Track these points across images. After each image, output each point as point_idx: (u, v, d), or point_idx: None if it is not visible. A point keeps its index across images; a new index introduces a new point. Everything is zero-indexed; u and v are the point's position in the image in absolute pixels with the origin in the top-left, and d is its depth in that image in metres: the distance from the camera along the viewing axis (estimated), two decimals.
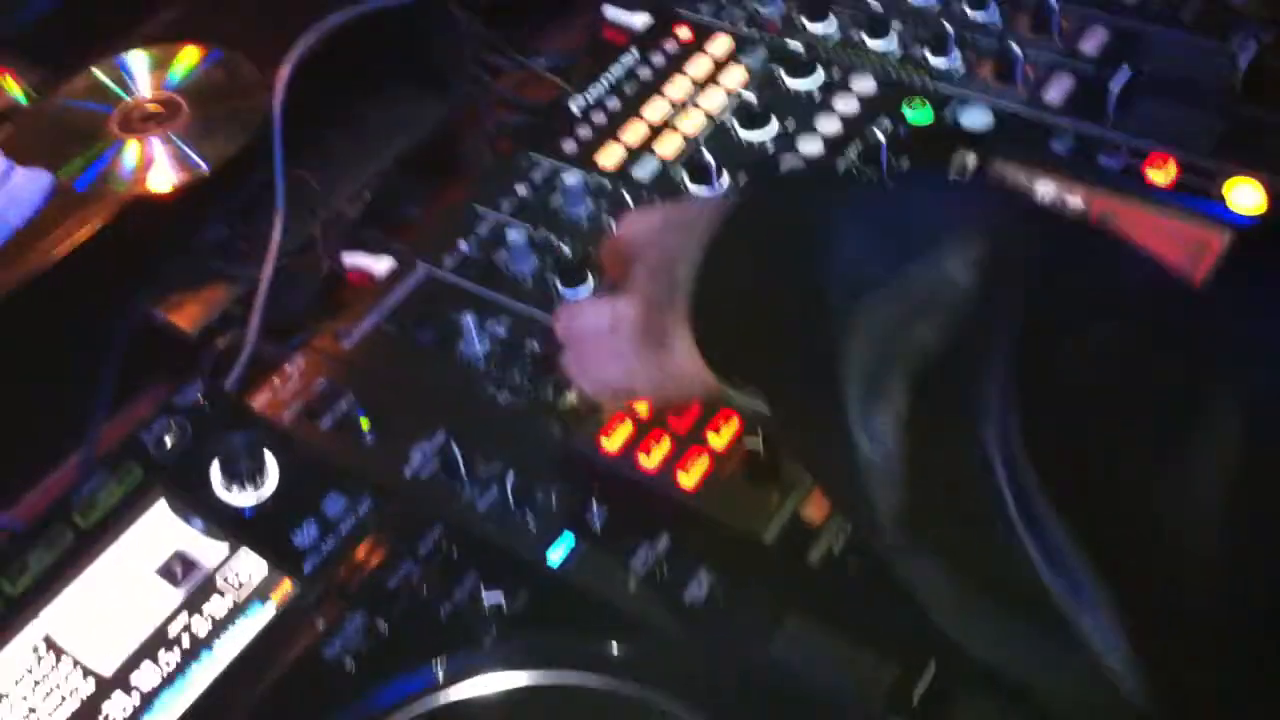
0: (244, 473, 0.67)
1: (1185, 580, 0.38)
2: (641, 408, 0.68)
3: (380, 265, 0.81)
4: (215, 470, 0.68)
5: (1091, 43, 0.83)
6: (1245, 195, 0.73)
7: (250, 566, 0.65)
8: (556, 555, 0.64)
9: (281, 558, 0.65)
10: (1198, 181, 0.75)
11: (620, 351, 0.60)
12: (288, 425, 0.71)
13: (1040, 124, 0.79)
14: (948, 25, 0.83)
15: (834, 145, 0.80)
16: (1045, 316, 0.43)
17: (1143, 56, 0.81)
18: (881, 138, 0.77)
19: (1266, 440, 0.38)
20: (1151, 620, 0.39)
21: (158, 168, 0.84)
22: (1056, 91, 0.81)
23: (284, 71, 0.87)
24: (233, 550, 0.65)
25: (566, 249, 0.76)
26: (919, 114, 0.80)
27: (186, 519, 0.67)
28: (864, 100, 0.82)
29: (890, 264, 0.45)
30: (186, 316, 0.83)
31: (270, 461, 0.68)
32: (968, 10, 0.86)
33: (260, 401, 0.72)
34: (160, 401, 0.80)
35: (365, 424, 0.70)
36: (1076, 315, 0.43)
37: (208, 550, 0.66)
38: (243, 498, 0.67)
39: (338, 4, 0.91)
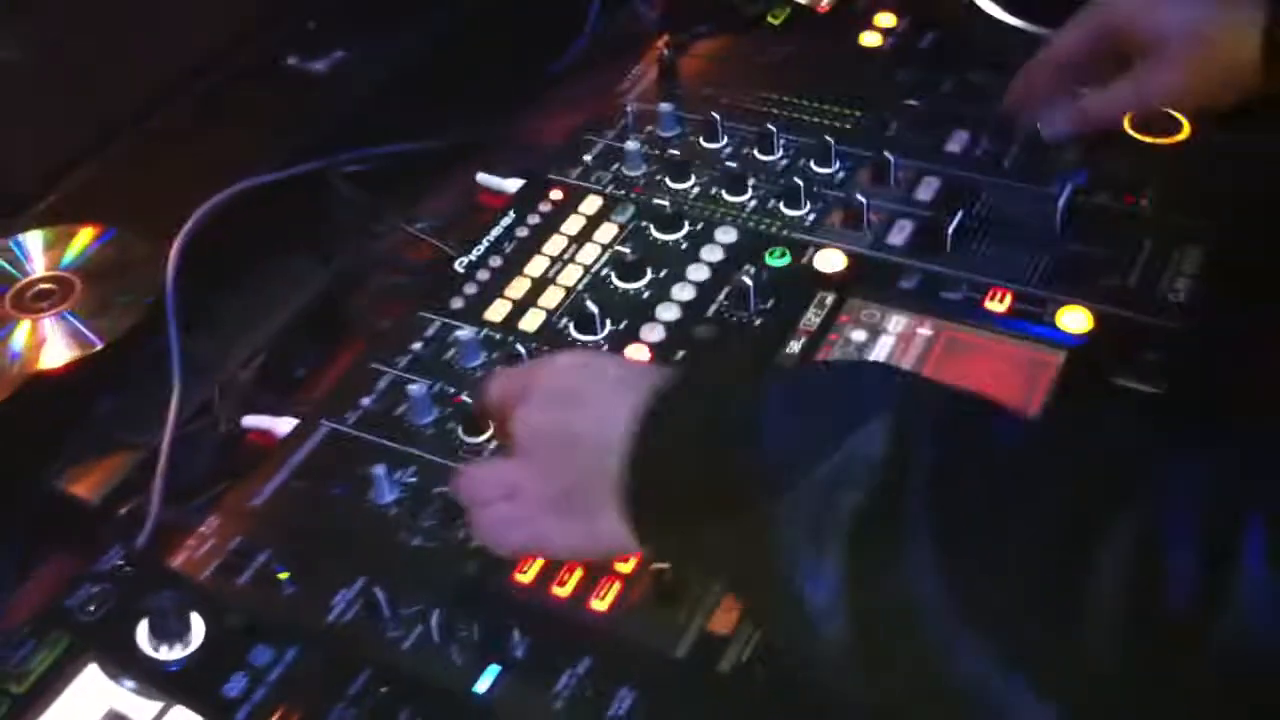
0: (171, 631, 0.69)
1: (1095, 674, 0.47)
2: None
3: (282, 425, 0.84)
4: (142, 631, 0.70)
5: (926, 191, 0.93)
6: (1074, 320, 0.83)
7: None
8: (483, 686, 0.68)
9: (213, 710, 0.67)
10: (1031, 310, 0.84)
11: (525, 518, 0.66)
12: (207, 583, 0.73)
13: (888, 264, 0.88)
14: (798, 180, 0.92)
15: (704, 290, 0.87)
16: (949, 468, 0.52)
17: (973, 201, 0.91)
18: (748, 281, 0.85)
19: (1155, 553, 0.46)
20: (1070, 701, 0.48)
21: (51, 345, 0.87)
22: (899, 235, 0.90)
23: (175, 247, 0.91)
24: (166, 708, 0.67)
25: (467, 399, 0.81)
26: (779, 259, 0.88)
27: (118, 680, 0.68)
28: (728, 249, 0.90)
29: (817, 444, 0.54)
30: (87, 486, 0.85)
31: (195, 618, 0.70)
32: (814, 166, 0.95)
33: (178, 562, 0.75)
34: (67, 571, 0.82)
35: (284, 576, 0.73)
36: (973, 463, 0.52)
37: (141, 709, 0.67)
38: (170, 655, 0.69)
39: (225, 179, 0.96)
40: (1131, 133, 0.95)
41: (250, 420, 0.87)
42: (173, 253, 0.91)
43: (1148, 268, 0.85)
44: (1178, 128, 0.96)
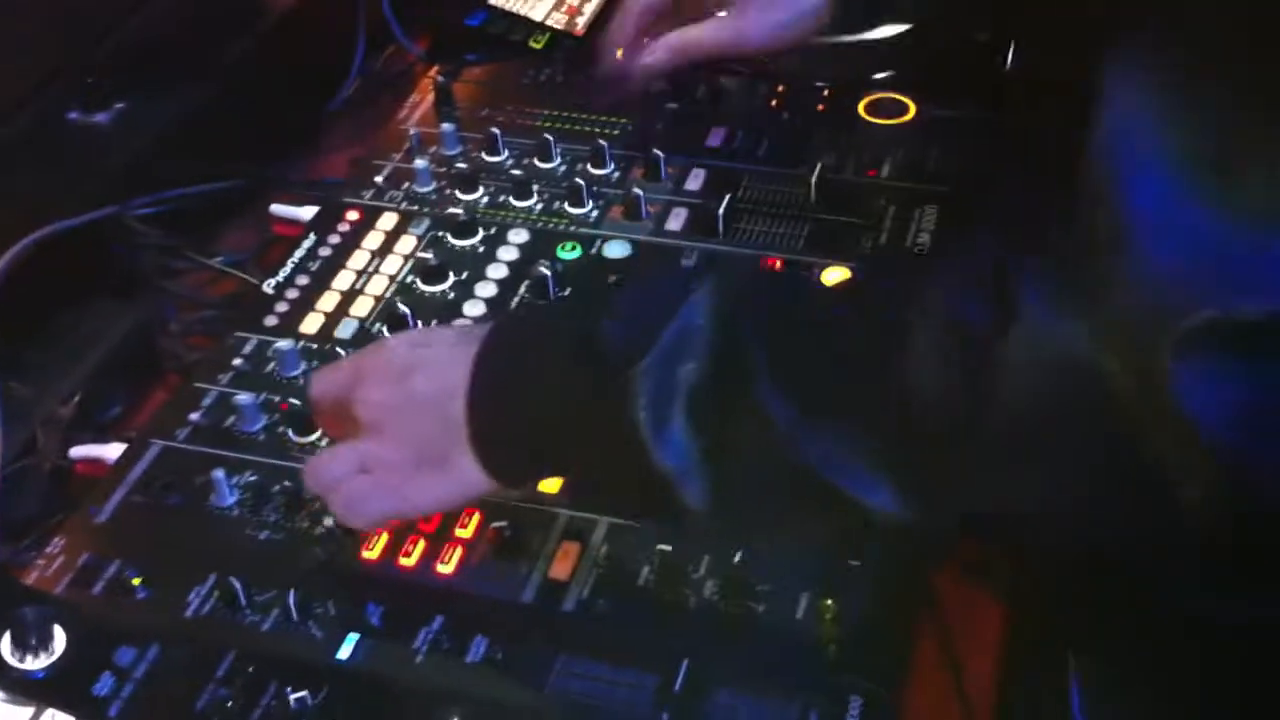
0: (33, 642, 0.72)
1: (928, 436, 0.56)
2: None
3: (111, 452, 0.87)
4: (5, 644, 0.72)
5: (695, 182, 1.02)
6: (835, 276, 0.93)
7: None
8: (345, 653, 0.72)
9: (85, 707, 0.70)
10: (800, 274, 0.93)
11: (387, 486, 0.71)
12: (63, 596, 0.76)
13: (669, 248, 0.96)
14: (579, 181, 1.00)
15: (505, 286, 0.94)
16: (772, 319, 0.61)
17: (737, 186, 1.01)
18: (546, 271, 0.92)
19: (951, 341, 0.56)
20: (915, 473, 0.57)
21: None
22: (675, 222, 0.99)
23: None
24: (38, 712, 0.70)
25: (294, 402, 0.85)
26: (571, 252, 0.96)
27: None
28: (522, 248, 0.97)
29: (648, 336, 0.62)
30: None
31: (56, 629, 0.73)
32: (591, 169, 1.03)
33: (30, 581, 0.77)
34: None
35: (137, 581, 0.76)
36: (789, 306, 0.62)
37: (14, 715, 0.70)
38: (35, 664, 0.72)
39: (24, 228, 0.98)
40: (866, 116, 1.07)
41: (78, 451, 0.89)
42: None
43: (894, 227, 0.97)
44: (904, 110, 1.08)
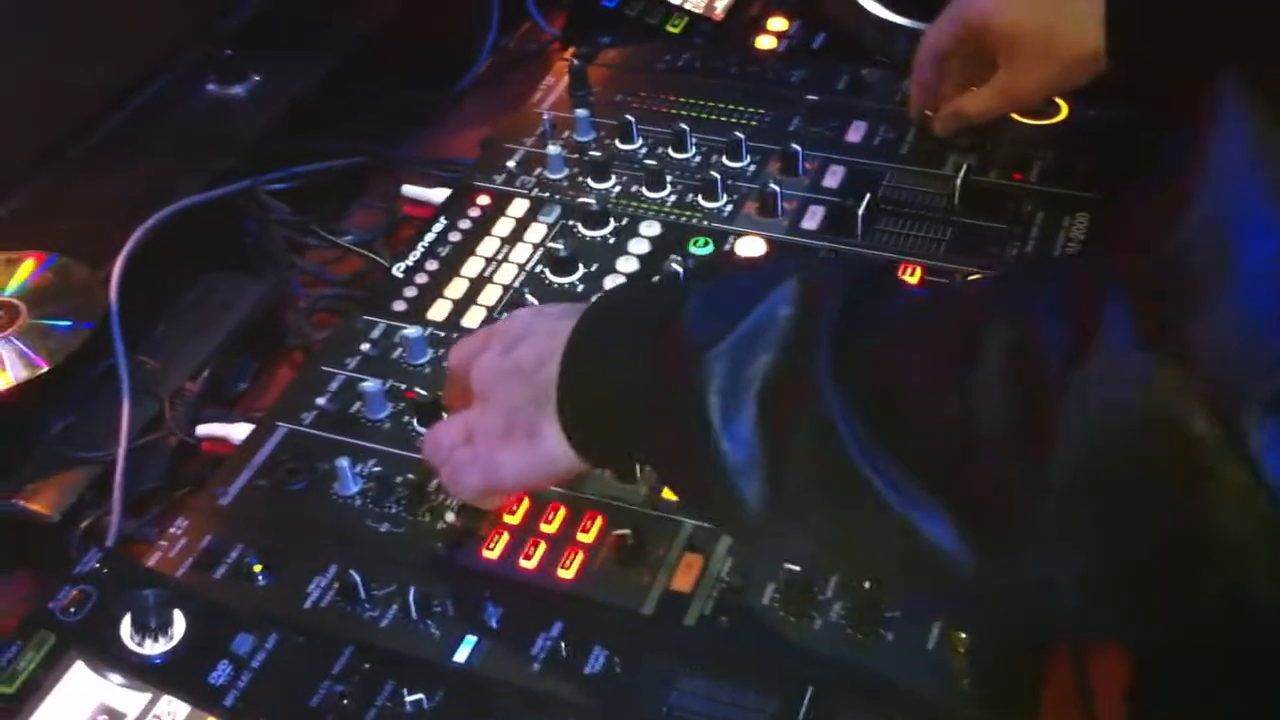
0: (153, 626, 0.72)
1: (989, 469, 0.52)
2: (513, 519, 0.77)
3: (237, 432, 0.87)
4: (125, 627, 0.72)
5: (833, 179, 0.99)
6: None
7: (174, 710, 0.69)
8: (462, 656, 0.71)
9: (201, 697, 0.70)
10: (940, 281, 0.90)
11: (479, 456, 0.70)
12: (184, 579, 0.76)
13: (805, 247, 0.93)
14: (714, 174, 0.97)
15: (635, 280, 0.92)
16: (851, 319, 0.57)
17: (876, 185, 0.97)
18: (678, 268, 0.90)
19: (1031, 337, 0.52)
20: (973, 509, 0.53)
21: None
22: (812, 220, 0.96)
23: (115, 269, 0.93)
24: (155, 699, 0.70)
25: (421, 391, 0.84)
26: (703, 248, 0.94)
27: (104, 675, 0.70)
28: (653, 241, 0.95)
29: (731, 320, 0.59)
30: (45, 502, 0.86)
31: (176, 613, 0.73)
32: (726, 161, 1.01)
33: (152, 563, 0.77)
34: (33, 585, 0.84)
35: (258, 569, 0.76)
36: (872, 316, 0.58)
37: (130, 701, 0.69)
38: (154, 649, 0.72)
39: (157, 202, 0.98)
40: (1016, 116, 1.03)
41: (204, 429, 0.89)
42: (114, 276, 0.93)
43: (1041, 235, 0.93)
44: (1056, 110, 1.03)
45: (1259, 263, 0.47)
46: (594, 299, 0.69)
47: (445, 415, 0.82)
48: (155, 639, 0.72)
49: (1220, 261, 0.48)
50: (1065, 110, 1.03)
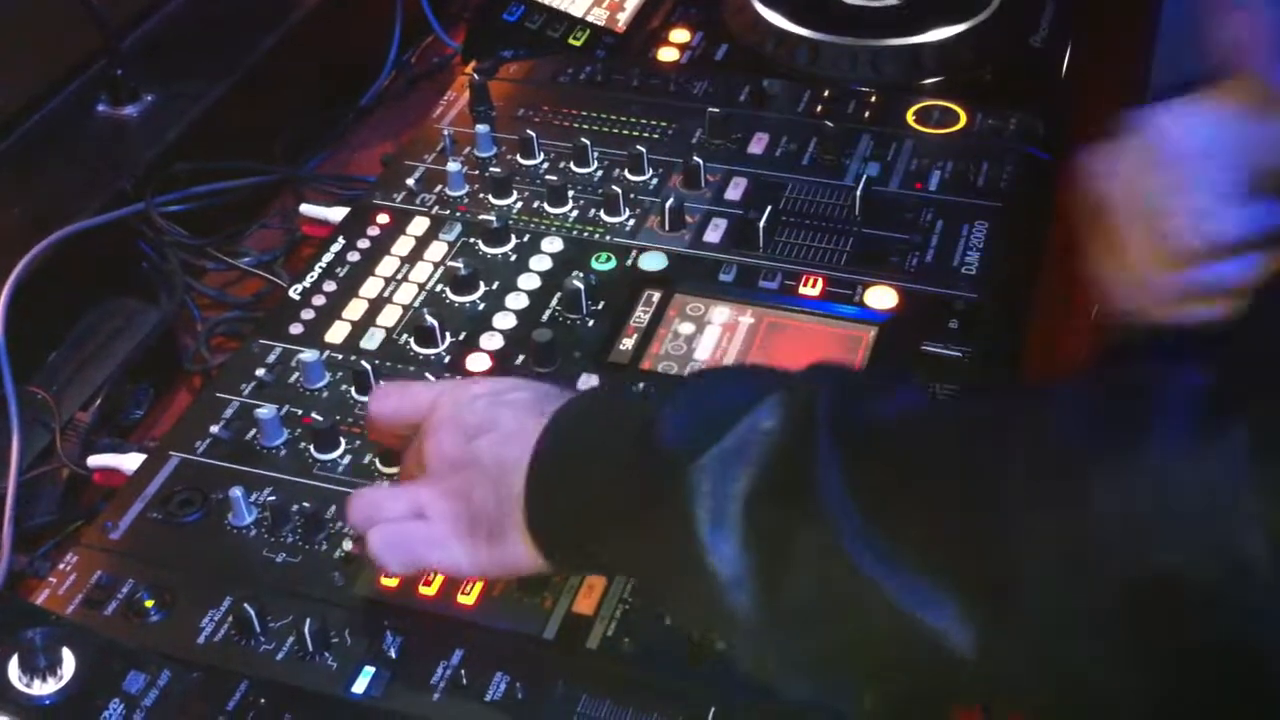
0: (42, 665, 0.69)
1: (1011, 577, 0.51)
2: None
3: (130, 463, 0.85)
4: (13, 668, 0.70)
5: (735, 191, 0.99)
6: (881, 297, 0.89)
7: None
8: (361, 686, 0.70)
9: None
10: (841, 292, 0.90)
11: (439, 539, 0.68)
12: (73, 617, 0.74)
13: (707, 260, 0.93)
14: (616, 189, 0.97)
15: (537, 298, 0.91)
16: (844, 430, 0.56)
17: (778, 197, 0.97)
18: (579, 285, 0.89)
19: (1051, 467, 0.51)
20: (991, 612, 0.52)
21: None
22: (714, 233, 0.95)
23: (2, 297, 0.91)
24: None
25: (318, 416, 0.83)
26: (605, 263, 0.93)
27: None
28: (555, 257, 0.94)
29: (713, 434, 0.58)
30: None
31: (65, 652, 0.71)
32: (629, 175, 1.00)
33: (40, 600, 0.75)
34: None
35: (150, 604, 0.74)
36: (870, 423, 0.57)
37: None
38: (43, 689, 0.69)
39: (47, 226, 0.96)
40: (914, 125, 1.03)
41: (96, 460, 0.87)
42: (0, 303, 0.90)
43: (941, 245, 0.93)
44: (955, 119, 1.04)
45: None
46: (559, 406, 0.66)
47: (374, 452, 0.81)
48: (44, 679, 0.70)
49: None
50: (964, 119, 1.04)
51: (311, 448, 0.82)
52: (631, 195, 0.98)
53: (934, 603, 0.52)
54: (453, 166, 1.00)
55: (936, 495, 0.53)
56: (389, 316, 0.91)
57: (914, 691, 0.58)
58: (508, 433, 0.67)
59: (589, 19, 1.18)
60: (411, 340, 0.88)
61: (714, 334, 0.88)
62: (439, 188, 1.01)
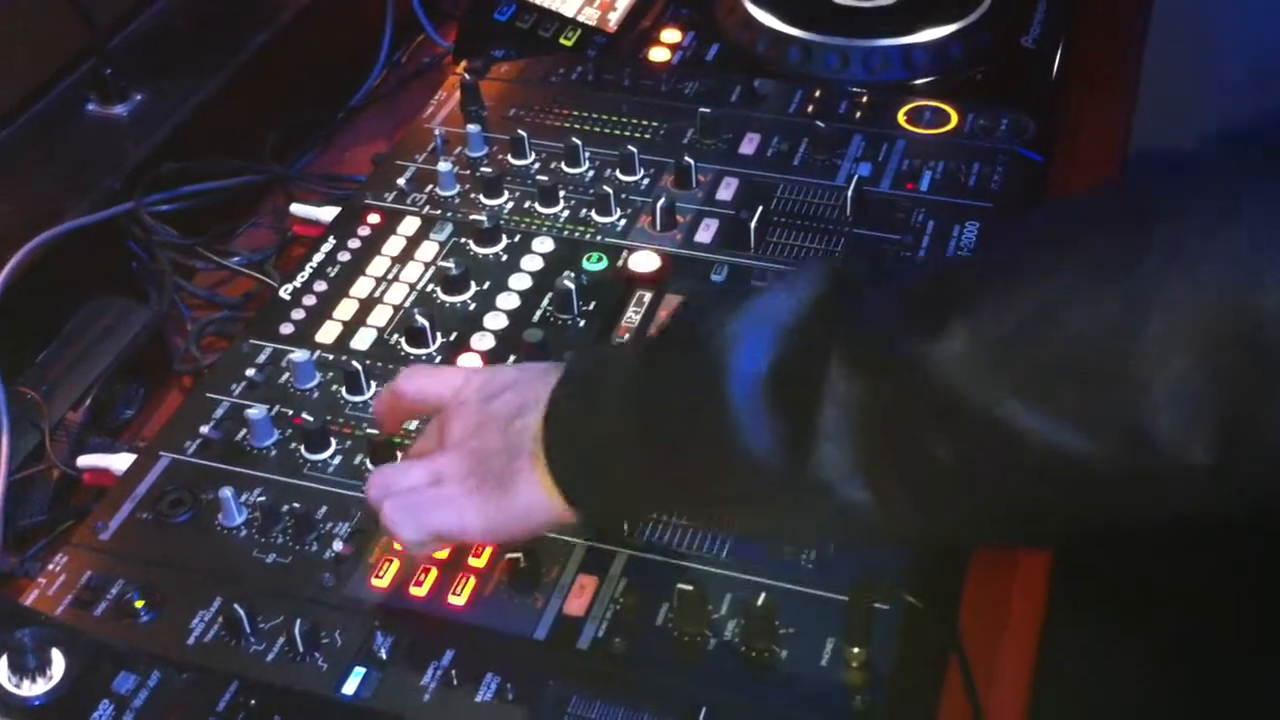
0: (31, 666, 0.69)
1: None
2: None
3: (120, 463, 0.85)
4: (2, 668, 0.70)
5: (726, 192, 0.99)
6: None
7: None
8: (351, 687, 0.70)
9: None
10: None
11: (448, 500, 0.68)
12: (63, 618, 0.74)
13: (698, 260, 0.93)
14: (607, 189, 0.97)
15: (528, 298, 0.91)
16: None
17: (770, 197, 0.97)
18: (570, 285, 0.89)
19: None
20: None
21: None
22: (706, 233, 0.95)
23: None
24: None
25: (308, 417, 0.83)
26: (596, 264, 0.93)
27: None
28: (546, 257, 0.94)
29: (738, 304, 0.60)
30: None
31: (55, 653, 0.71)
32: (620, 175, 1.00)
33: (30, 600, 0.75)
34: None
35: (140, 604, 0.74)
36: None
37: None
38: (33, 690, 0.69)
39: (36, 226, 0.95)
40: (905, 125, 1.03)
41: (85, 460, 0.87)
42: None
43: (932, 245, 0.93)
44: (946, 119, 1.04)
45: None
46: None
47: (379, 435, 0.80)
48: (34, 679, 0.70)
49: None
50: (955, 120, 1.04)
51: (302, 448, 0.82)
52: (623, 195, 0.98)
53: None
54: (444, 166, 1.00)
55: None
56: (380, 316, 0.91)
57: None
58: (527, 385, 0.66)
59: (580, 19, 1.18)
60: (402, 340, 0.88)
61: None
62: (430, 187, 1.00)
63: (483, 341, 0.88)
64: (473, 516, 0.67)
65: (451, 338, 0.88)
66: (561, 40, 1.17)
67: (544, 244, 0.95)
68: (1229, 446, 0.49)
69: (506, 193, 0.99)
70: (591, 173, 1.01)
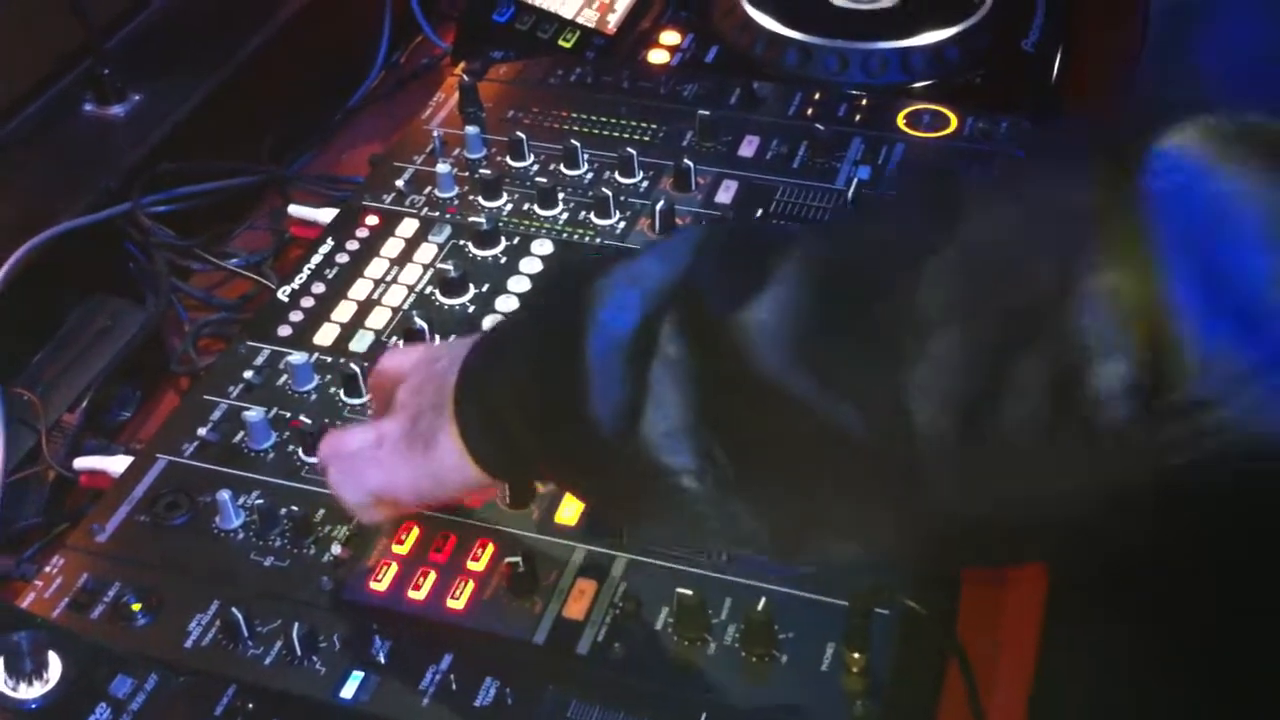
0: (28, 669, 0.69)
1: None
2: (401, 549, 0.76)
3: (116, 465, 0.84)
4: None
5: (726, 194, 0.99)
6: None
7: None
8: (349, 691, 0.70)
9: None
10: None
11: (381, 460, 0.68)
12: (59, 621, 0.73)
13: None
14: (606, 191, 0.96)
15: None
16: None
17: (769, 200, 0.97)
18: None
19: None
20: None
21: None
22: None
23: None
24: None
25: (306, 419, 0.82)
26: None
27: None
28: (546, 260, 0.94)
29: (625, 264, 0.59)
30: None
31: (51, 656, 0.70)
32: (619, 177, 1.00)
33: (26, 603, 0.74)
34: None
35: (137, 607, 0.74)
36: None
37: None
38: (29, 693, 0.69)
39: (33, 226, 0.95)
40: (905, 129, 1.03)
41: (82, 462, 0.87)
42: None
43: None
44: (946, 122, 1.04)
45: None
46: None
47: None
48: (30, 683, 0.69)
49: None
50: (954, 123, 1.04)
51: (300, 451, 0.81)
52: (622, 198, 0.98)
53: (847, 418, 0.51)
54: (442, 168, 1.00)
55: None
56: (378, 319, 0.90)
57: None
58: (462, 345, 0.66)
59: (579, 20, 1.17)
60: (401, 343, 0.88)
61: None
62: (428, 189, 1.00)
63: None
64: (401, 476, 0.68)
65: (450, 340, 0.88)
66: (560, 42, 1.16)
67: (543, 246, 0.95)
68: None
69: (505, 195, 0.99)
70: (590, 175, 1.01)
